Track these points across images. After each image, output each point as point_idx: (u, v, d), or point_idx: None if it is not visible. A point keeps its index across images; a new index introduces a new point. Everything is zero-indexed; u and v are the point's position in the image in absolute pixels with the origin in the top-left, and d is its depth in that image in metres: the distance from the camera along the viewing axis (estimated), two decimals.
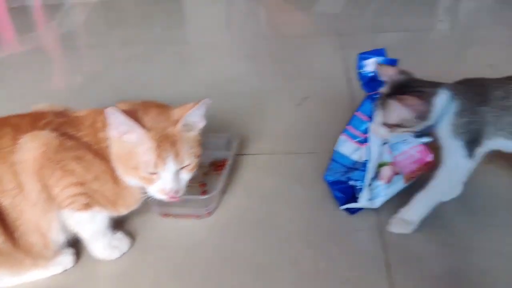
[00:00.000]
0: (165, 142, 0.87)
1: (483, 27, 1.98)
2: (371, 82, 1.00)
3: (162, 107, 0.93)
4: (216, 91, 1.59)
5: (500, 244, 0.96)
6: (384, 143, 1.05)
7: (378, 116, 0.95)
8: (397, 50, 1.77)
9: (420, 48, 1.83)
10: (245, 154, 1.28)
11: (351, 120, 1.06)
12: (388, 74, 0.95)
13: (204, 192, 1.14)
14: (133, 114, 0.87)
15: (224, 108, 1.50)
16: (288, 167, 1.23)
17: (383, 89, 0.96)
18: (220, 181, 1.12)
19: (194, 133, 0.93)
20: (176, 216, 1.08)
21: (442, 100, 0.92)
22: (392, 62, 0.99)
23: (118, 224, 1.04)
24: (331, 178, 1.08)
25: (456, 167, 0.96)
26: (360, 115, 1.04)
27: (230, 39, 2.14)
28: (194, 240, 1.04)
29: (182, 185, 0.92)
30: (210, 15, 2.46)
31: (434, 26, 2.03)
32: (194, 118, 0.92)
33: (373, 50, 1.00)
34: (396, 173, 1.05)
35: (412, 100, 0.90)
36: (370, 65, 0.99)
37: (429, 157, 1.08)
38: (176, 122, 0.89)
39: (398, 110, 0.91)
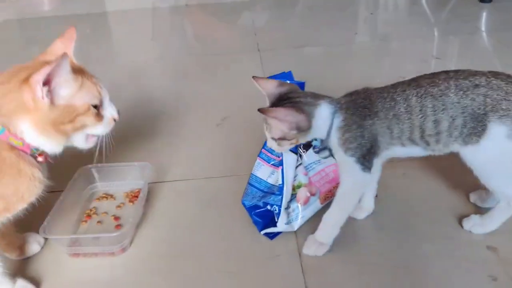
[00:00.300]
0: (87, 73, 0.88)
1: (396, 39, 2.06)
2: None
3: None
4: (134, 112, 1.53)
5: (417, 257, 0.97)
6: (299, 165, 1.05)
7: (267, 131, 0.93)
8: (317, 64, 1.84)
9: (338, 61, 1.87)
10: (162, 182, 1.23)
11: (265, 143, 1.04)
12: (267, 87, 0.92)
13: (118, 226, 1.08)
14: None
15: (140, 132, 1.46)
16: (207, 193, 1.19)
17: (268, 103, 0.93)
18: (134, 214, 1.07)
19: None
20: (86, 255, 1.01)
21: (324, 113, 0.90)
22: (300, 86, 0.99)
23: (19, 269, 0.95)
24: (249, 203, 1.05)
25: (354, 182, 0.94)
26: None
27: (153, 57, 2.08)
28: (108, 280, 0.97)
29: None
30: (135, 32, 2.40)
31: (352, 39, 2.08)
32: None
33: (281, 73, 1.00)
34: (313, 194, 1.05)
35: (279, 112, 0.87)
36: None
37: None
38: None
39: (275, 123, 0.89)
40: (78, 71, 0.86)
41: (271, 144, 0.94)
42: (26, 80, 0.79)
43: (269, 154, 1.04)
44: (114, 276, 0.98)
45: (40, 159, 0.86)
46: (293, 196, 1.03)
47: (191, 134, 1.44)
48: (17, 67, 0.84)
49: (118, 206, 1.14)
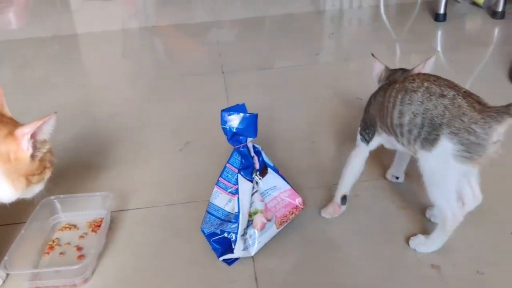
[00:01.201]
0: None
1: (357, 59, 2.13)
2: (235, 136, 1.04)
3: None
4: (97, 138, 1.56)
5: (367, 277, 1.03)
6: (255, 192, 1.09)
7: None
8: (279, 85, 1.89)
9: (300, 82, 1.93)
10: (124, 210, 1.26)
11: (222, 171, 1.09)
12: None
13: (81, 257, 1.10)
14: None
15: (104, 158, 1.48)
16: (169, 220, 1.22)
17: None
18: (96, 243, 1.09)
19: None
20: None
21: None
22: (253, 117, 1.04)
23: None
24: (207, 230, 1.09)
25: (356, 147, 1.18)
26: (230, 166, 1.08)
27: (118, 80, 2.10)
28: None
29: None
30: (106, 54, 2.42)
31: (314, 60, 2.14)
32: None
33: (235, 106, 1.04)
34: (269, 220, 1.09)
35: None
36: (233, 121, 1.03)
37: (298, 201, 1.14)
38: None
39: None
40: None
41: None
42: (10, 133, 0.88)
43: (226, 182, 1.08)
44: None
45: None
46: (250, 223, 1.08)
47: (154, 160, 1.47)
48: None
49: (81, 236, 1.17)
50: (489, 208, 1.10)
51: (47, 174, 0.96)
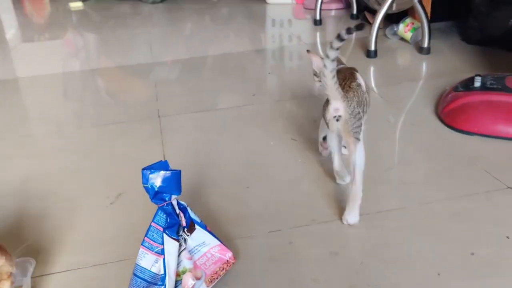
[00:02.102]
0: None
1: (291, 98, 2.17)
2: (158, 194, 1.01)
3: None
4: (20, 195, 1.48)
5: None
6: (183, 250, 1.06)
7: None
8: (214, 129, 1.89)
9: (236, 123, 1.93)
10: (49, 274, 1.19)
11: (147, 231, 1.05)
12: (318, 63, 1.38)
13: None
14: None
15: (26, 217, 1.41)
16: (94, 282, 1.16)
17: None
18: None
19: None
20: None
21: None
22: (176, 174, 1.02)
23: None
24: None
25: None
26: (155, 225, 1.04)
27: (48, 130, 2.02)
28: None
29: None
30: (37, 99, 2.34)
31: (251, 100, 2.16)
32: None
33: (157, 163, 1.02)
34: (198, 278, 1.06)
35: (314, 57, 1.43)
36: (155, 179, 1.00)
37: (228, 255, 1.12)
38: None
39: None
40: None
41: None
42: None
43: (151, 242, 1.04)
44: None
45: None
46: (178, 283, 1.04)
47: (81, 217, 1.40)
48: None
49: None
50: None
51: (5, 285, 0.96)
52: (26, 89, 2.56)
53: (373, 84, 2.31)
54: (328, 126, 1.26)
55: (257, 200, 1.43)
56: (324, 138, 1.51)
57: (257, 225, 1.32)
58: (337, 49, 1.12)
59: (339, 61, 1.36)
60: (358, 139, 1.24)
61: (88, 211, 1.43)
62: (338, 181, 1.45)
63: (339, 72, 1.23)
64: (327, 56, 1.13)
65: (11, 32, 4.04)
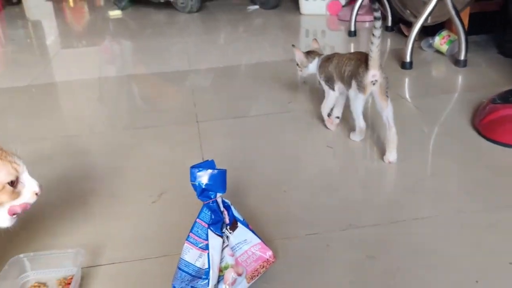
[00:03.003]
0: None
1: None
2: (205, 192, 1.06)
3: None
4: (68, 191, 1.56)
5: None
6: (226, 246, 1.11)
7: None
8: (252, 134, 1.94)
9: (271, 130, 1.98)
10: (96, 266, 1.25)
11: (192, 227, 1.10)
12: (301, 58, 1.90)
13: None
14: None
15: (75, 211, 1.48)
16: (140, 275, 1.22)
17: None
18: None
19: None
20: None
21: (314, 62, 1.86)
22: (221, 173, 1.06)
23: None
24: (178, 286, 1.09)
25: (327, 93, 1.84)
26: (200, 222, 1.09)
27: (91, 131, 2.11)
28: None
29: None
30: (80, 102, 2.44)
31: (286, 108, 2.21)
32: None
33: (204, 162, 1.07)
34: (239, 274, 1.10)
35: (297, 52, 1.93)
36: (202, 177, 1.05)
37: (268, 254, 1.16)
38: None
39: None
40: None
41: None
42: None
43: (196, 238, 1.09)
44: None
45: None
46: (221, 278, 1.08)
47: (126, 214, 1.47)
48: None
49: None
50: None
51: (3, 198, 0.97)
52: (68, 93, 2.67)
53: (407, 95, 2.32)
54: (364, 91, 1.58)
55: (294, 204, 1.47)
56: (329, 115, 1.87)
57: (294, 227, 1.35)
58: (380, 27, 1.51)
59: (318, 52, 1.87)
60: (388, 97, 1.58)
61: (132, 209, 1.49)
62: (356, 138, 1.78)
63: (352, 54, 1.68)
64: (373, 35, 1.50)
65: (51, 39, 4.21)
